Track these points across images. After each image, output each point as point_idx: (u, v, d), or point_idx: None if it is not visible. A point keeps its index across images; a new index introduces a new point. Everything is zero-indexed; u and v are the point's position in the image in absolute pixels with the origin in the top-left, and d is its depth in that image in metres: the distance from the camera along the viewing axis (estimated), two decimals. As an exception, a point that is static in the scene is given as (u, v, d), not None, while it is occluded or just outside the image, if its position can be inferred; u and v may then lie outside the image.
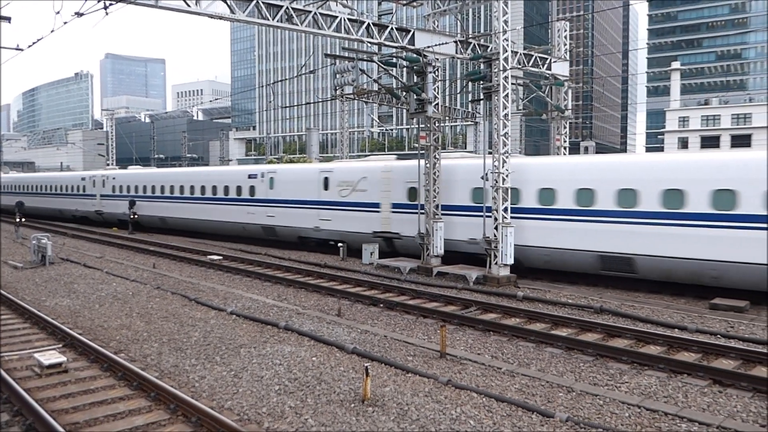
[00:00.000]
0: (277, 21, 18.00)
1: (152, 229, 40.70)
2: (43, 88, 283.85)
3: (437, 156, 23.38)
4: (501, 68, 20.69)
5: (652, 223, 18.91)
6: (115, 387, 10.32)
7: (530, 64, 25.15)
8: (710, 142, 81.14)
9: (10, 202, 58.40)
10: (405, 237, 25.09)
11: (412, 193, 24.75)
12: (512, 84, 22.37)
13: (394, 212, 25.58)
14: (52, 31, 17.39)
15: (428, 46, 21.16)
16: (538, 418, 9.06)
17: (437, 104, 22.70)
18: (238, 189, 33.22)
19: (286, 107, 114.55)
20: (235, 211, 33.32)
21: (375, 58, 22.59)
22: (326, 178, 28.46)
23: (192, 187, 36.87)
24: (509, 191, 20.82)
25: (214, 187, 35.03)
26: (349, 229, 27.35)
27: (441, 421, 8.93)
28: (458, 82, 56.24)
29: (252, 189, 32.33)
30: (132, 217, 40.57)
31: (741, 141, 78.32)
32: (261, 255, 28.26)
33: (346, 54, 22.84)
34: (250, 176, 32.67)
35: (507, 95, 20.94)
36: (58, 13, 15.86)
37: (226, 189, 34.08)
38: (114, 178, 44.93)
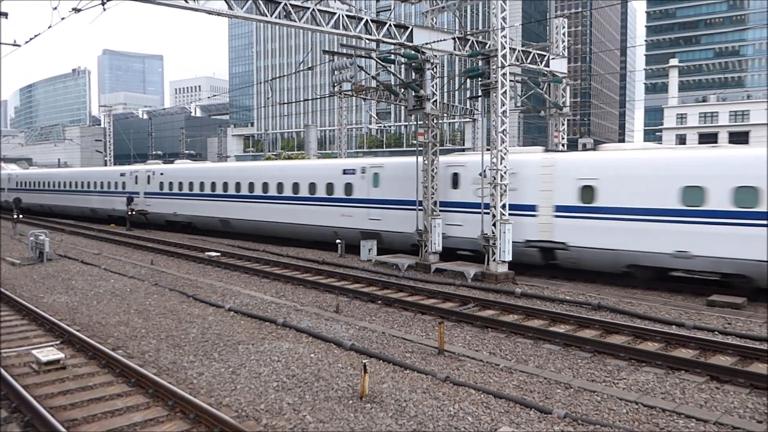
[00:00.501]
0: (276, 17, 17.97)
1: (213, 233, 36.17)
2: (40, 84, 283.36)
3: (435, 153, 23.39)
4: (499, 65, 20.69)
5: None
6: (113, 384, 10.32)
7: (528, 61, 25.13)
8: (708, 139, 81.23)
9: (31, 200, 55.34)
10: (574, 248, 20.55)
11: (587, 192, 20.23)
12: (510, 81, 22.36)
13: (558, 216, 20.96)
14: (49, 27, 17.35)
15: (426, 43, 21.14)
16: (536, 415, 9.07)
17: (435, 101, 22.69)
18: (329, 187, 28.39)
19: (284, 104, 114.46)
20: (324, 213, 28.43)
21: (373, 54, 22.57)
22: (455, 174, 23.80)
23: (265, 185, 31.85)
24: (506, 188, 20.83)
25: (296, 185, 30.10)
26: None
27: (439, 417, 8.94)
28: (456, 78, 56.31)
29: (348, 187, 27.54)
30: (130, 213, 40.41)
31: (739, 138, 78.42)
32: (259, 252, 28.24)
33: (345, 51, 22.80)
34: (345, 172, 27.78)
35: (505, 92, 20.94)
36: (55, 9, 15.83)
37: (312, 187, 29.20)
38: (162, 174, 39.95)
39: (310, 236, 29.80)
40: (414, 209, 24.20)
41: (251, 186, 32.73)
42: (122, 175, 44.23)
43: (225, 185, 34.42)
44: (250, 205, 32.72)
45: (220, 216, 34.75)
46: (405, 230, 25.13)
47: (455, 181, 23.88)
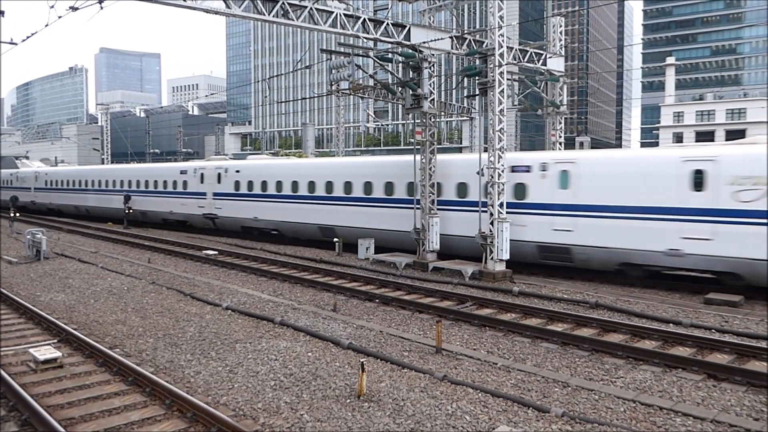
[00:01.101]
0: (273, 16, 17.97)
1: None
2: (37, 82, 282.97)
3: (433, 152, 23.40)
4: (496, 64, 20.69)
5: None
6: (110, 382, 10.31)
7: (525, 59, 25.16)
8: (705, 137, 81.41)
9: (63, 201, 50.58)
10: None
11: None
12: (507, 80, 22.37)
13: None
14: (46, 26, 17.32)
15: (424, 42, 21.15)
16: (533, 414, 9.08)
17: (433, 100, 22.69)
18: (487, 188, 22.29)
19: (281, 102, 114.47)
20: (480, 221, 22.03)
21: (371, 53, 22.58)
22: (698, 172, 18.33)
23: (389, 185, 26.02)
24: (503, 187, 20.85)
25: (436, 186, 24.11)
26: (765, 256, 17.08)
27: (437, 416, 8.95)
28: (454, 77, 56.32)
29: (519, 188, 22.17)
30: (127, 212, 40.26)
31: (735, 136, 78.65)
32: (256, 250, 28.22)
33: (342, 49, 22.81)
34: (515, 169, 22.28)
35: (502, 91, 20.94)
36: (52, 7, 15.81)
37: (462, 188, 23.78)
38: (238, 172, 33.95)
39: (456, 250, 23.89)
40: (624, 217, 19.60)
41: (368, 186, 27.03)
42: (183, 172, 37.99)
43: (329, 185, 28.68)
44: (365, 210, 27.07)
45: (320, 223, 29.03)
46: (612, 245, 19.92)
47: (698, 180, 18.41)
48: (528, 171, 22.14)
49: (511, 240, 21.55)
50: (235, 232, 33.91)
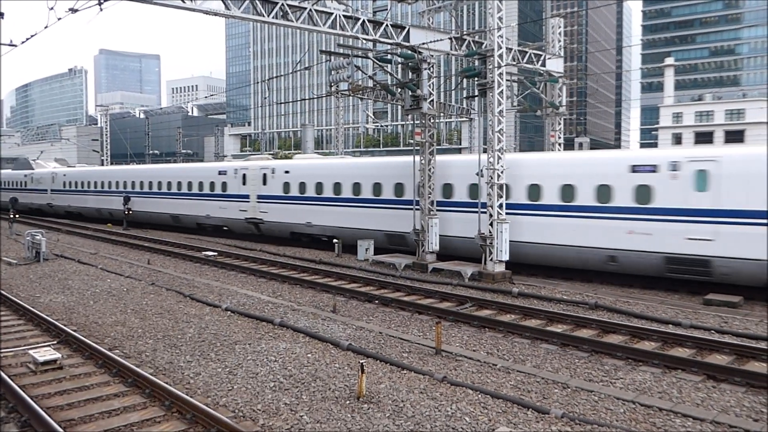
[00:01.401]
0: (273, 17, 17.97)
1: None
2: (36, 83, 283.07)
3: (432, 152, 23.40)
4: (495, 65, 20.71)
5: None
6: (110, 384, 10.32)
7: (525, 60, 25.16)
8: (704, 138, 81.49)
9: (83, 204, 47.52)
10: None
11: None
12: (507, 81, 22.37)
13: None
14: (45, 27, 17.32)
15: (423, 43, 21.16)
16: (533, 415, 9.09)
17: (432, 101, 22.69)
18: (602, 191, 20.08)
19: (281, 103, 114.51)
20: (591, 228, 20.22)
21: (370, 54, 22.60)
22: None
23: (474, 188, 22.97)
24: (504, 188, 20.85)
25: (534, 188, 21.65)
26: None
27: (436, 418, 8.95)
28: (453, 78, 56.33)
29: (642, 191, 19.28)
30: (126, 212, 40.26)
31: (734, 137, 78.67)
32: (256, 251, 28.21)
33: (342, 50, 22.82)
34: (636, 169, 19.49)
35: (501, 92, 20.96)
36: (52, 9, 15.81)
37: (567, 191, 20.95)
38: (287, 172, 30.77)
39: (564, 262, 21.38)
40: None
41: (447, 189, 24.23)
42: (222, 173, 34.81)
43: (398, 187, 25.82)
44: (443, 216, 23.74)
45: (387, 229, 26.24)
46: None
47: None
48: (653, 171, 19.23)
49: (633, 251, 19.52)
50: (282, 239, 31.56)
